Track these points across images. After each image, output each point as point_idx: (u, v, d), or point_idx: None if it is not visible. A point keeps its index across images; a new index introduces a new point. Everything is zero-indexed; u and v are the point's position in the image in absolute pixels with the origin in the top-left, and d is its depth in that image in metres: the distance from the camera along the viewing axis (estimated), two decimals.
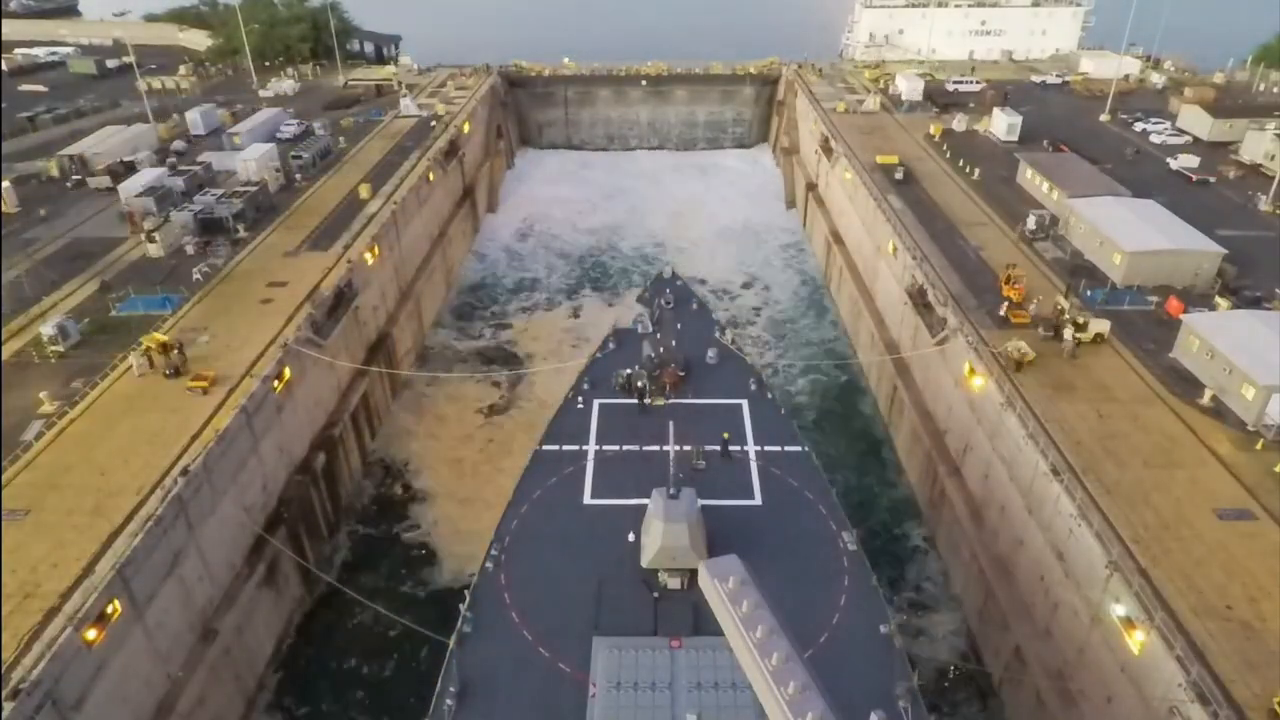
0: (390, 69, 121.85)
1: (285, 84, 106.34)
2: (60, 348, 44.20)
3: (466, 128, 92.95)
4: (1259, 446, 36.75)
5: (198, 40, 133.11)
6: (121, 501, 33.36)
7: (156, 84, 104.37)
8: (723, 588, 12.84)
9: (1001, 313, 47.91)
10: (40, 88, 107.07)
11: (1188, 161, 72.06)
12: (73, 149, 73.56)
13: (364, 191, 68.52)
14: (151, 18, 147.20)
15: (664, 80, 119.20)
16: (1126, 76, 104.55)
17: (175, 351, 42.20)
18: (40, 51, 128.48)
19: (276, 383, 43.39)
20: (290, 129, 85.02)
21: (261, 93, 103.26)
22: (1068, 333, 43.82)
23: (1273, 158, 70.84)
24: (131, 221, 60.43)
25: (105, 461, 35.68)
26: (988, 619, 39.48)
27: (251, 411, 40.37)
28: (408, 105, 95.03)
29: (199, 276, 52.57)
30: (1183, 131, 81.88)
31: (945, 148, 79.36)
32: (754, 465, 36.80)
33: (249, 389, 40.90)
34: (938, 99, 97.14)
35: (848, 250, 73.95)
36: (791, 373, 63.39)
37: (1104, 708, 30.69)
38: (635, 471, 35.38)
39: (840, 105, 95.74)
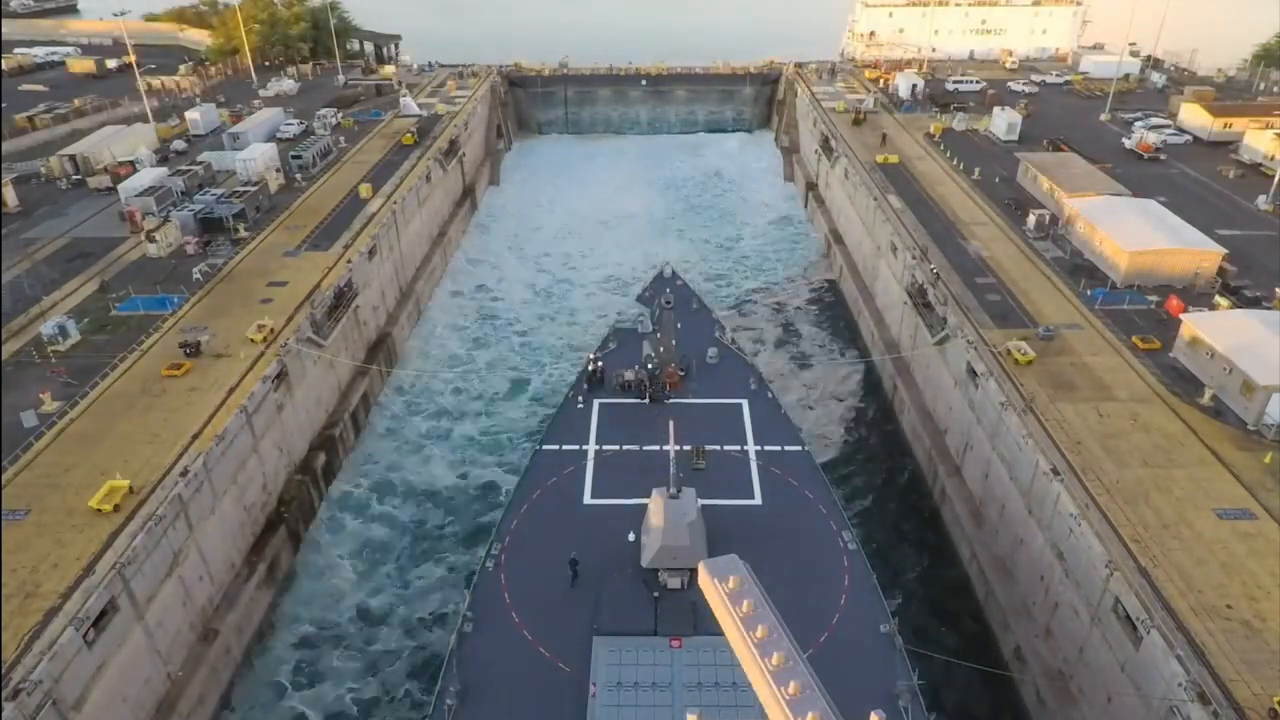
0: (390, 68, 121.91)
1: (285, 84, 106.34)
2: (60, 347, 44.23)
3: (467, 127, 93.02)
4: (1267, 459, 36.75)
5: (198, 40, 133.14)
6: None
7: (156, 84, 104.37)
8: (723, 587, 12.79)
9: None
10: (40, 87, 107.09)
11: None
12: (72, 149, 73.55)
13: (364, 191, 68.57)
14: (151, 17, 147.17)
15: (664, 80, 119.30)
16: (1126, 76, 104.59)
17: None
18: (40, 51, 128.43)
19: (277, 382, 43.44)
20: (290, 129, 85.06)
21: (262, 92, 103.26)
22: None
23: (1273, 158, 70.85)
24: (131, 221, 60.46)
25: (105, 461, 35.69)
26: (988, 618, 39.47)
27: (251, 411, 40.41)
28: (408, 105, 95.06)
29: (199, 276, 52.58)
30: (1183, 131, 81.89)
31: (945, 147, 79.39)
32: (754, 465, 36.82)
33: (250, 388, 40.95)
34: (937, 98, 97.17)
35: (848, 250, 74.02)
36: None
37: (1104, 707, 30.70)
38: (635, 471, 35.40)
39: (840, 105, 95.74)
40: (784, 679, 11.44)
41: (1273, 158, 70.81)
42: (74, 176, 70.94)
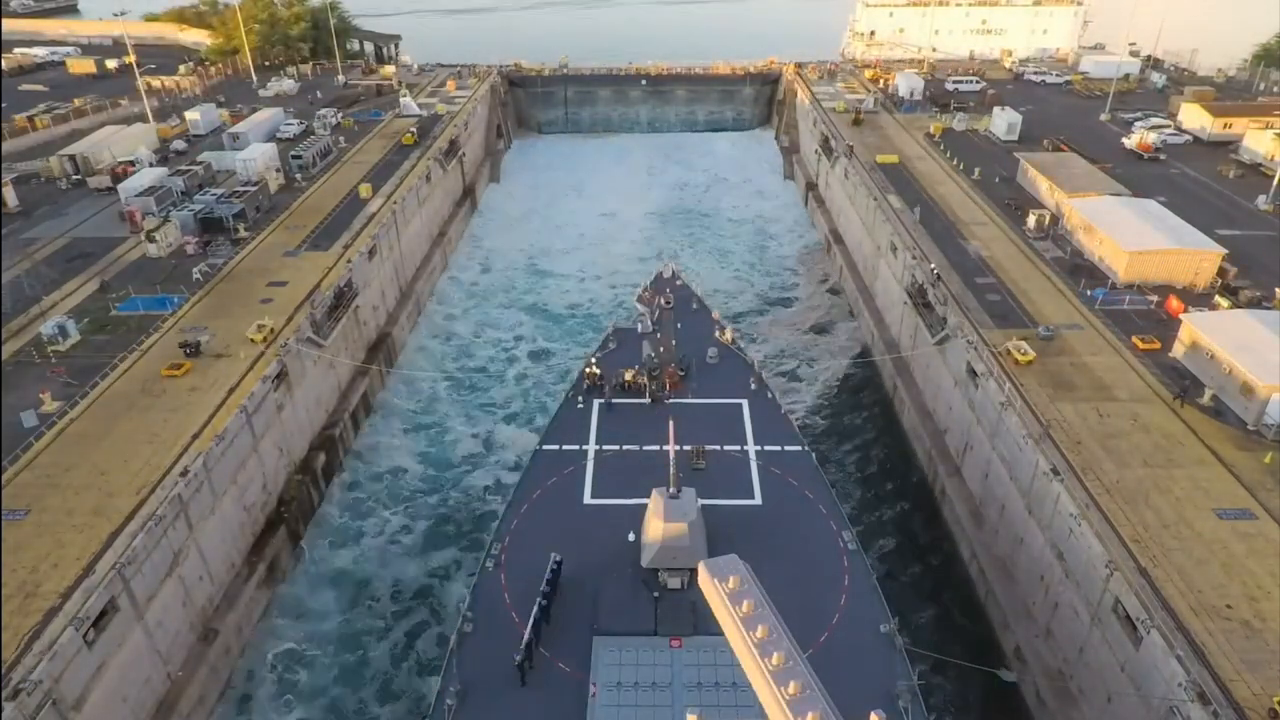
0: (389, 69, 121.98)
1: (285, 84, 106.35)
2: (60, 347, 44.22)
3: (467, 127, 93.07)
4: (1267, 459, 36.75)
5: (198, 40, 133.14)
6: (121, 501, 33.37)
7: (156, 84, 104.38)
8: (723, 587, 12.81)
9: None
10: (40, 87, 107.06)
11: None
12: (72, 149, 73.54)
13: (364, 191, 68.57)
14: (151, 17, 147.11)
15: (664, 80, 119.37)
16: (1126, 76, 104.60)
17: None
18: (40, 51, 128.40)
19: (277, 382, 43.44)
20: (290, 129, 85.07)
21: (261, 93, 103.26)
22: None
23: (1272, 158, 70.83)
24: (131, 221, 60.44)
25: (105, 461, 35.70)
26: (988, 618, 39.46)
27: (251, 411, 40.40)
28: (408, 105, 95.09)
29: (199, 276, 52.58)
30: (1182, 131, 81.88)
31: (945, 147, 79.40)
32: (754, 465, 36.80)
33: (250, 388, 40.94)
34: (938, 99, 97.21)
35: (848, 250, 74.02)
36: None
37: (1104, 707, 30.70)
38: (635, 471, 35.39)
39: (840, 105, 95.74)
40: (784, 679, 11.44)
41: (1273, 158, 70.81)
42: (74, 176, 70.94)
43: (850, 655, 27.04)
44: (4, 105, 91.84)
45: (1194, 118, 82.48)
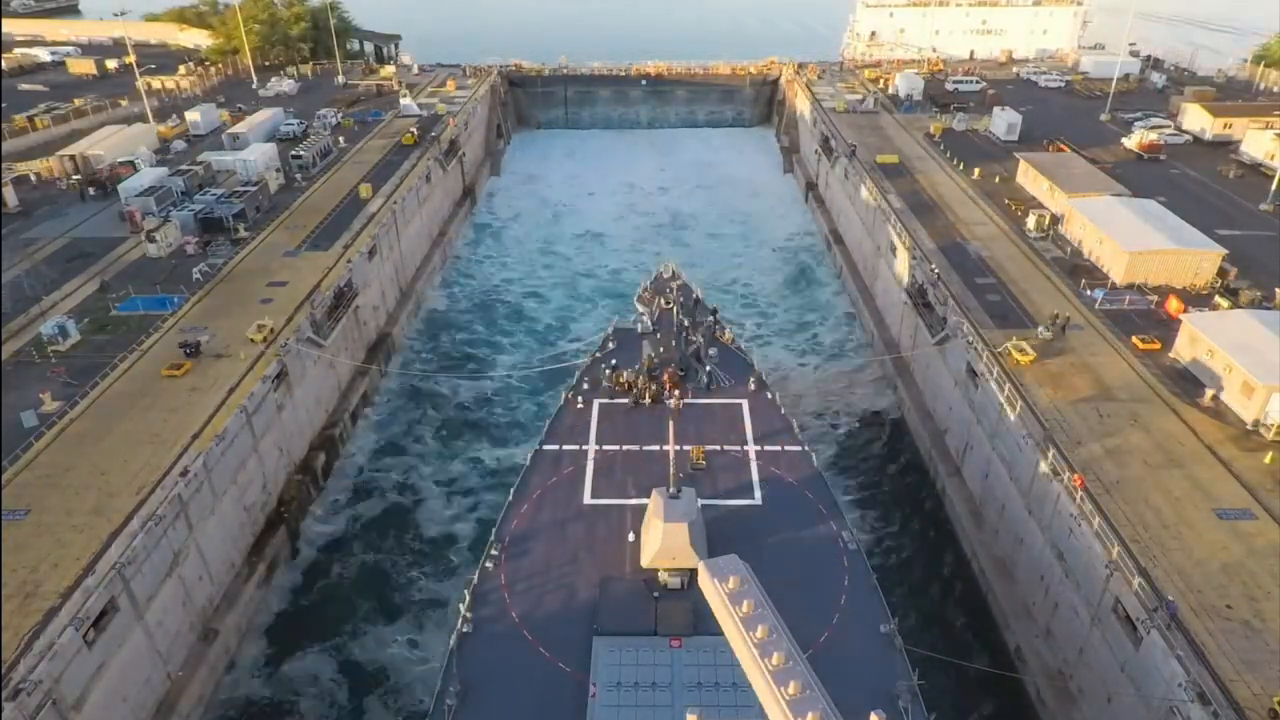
0: (389, 69, 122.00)
1: (285, 84, 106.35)
2: (60, 347, 44.21)
3: (467, 127, 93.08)
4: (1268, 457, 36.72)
5: (198, 40, 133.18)
6: (121, 501, 33.35)
7: (156, 84, 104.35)
8: (722, 587, 12.83)
9: None
10: (40, 87, 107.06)
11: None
12: (72, 149, 73.50)
13: (364, 191, 68.56)
14: (151, 17, 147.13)
15: (664, 80, 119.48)
16: (1127, 76, 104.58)
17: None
18: (40, 51, 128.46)
19: (277, 382, 43.43)
20: (290, 129, 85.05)
21: (261, 93, 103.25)
22: None
23: (1273, 157, 70.83)
24: (131, 221, 60.43)
25: (105, 461, 35.69)
26: (988, 618, 39.45)
27: (251, 411, 40.39)
28: (408, 105, 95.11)
29: (199, 276, 52.57)
30: (1183, 131, 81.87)
31: (945, 147, 79.39)
32: (754, 465, 36.79)
33: (250, 388, 40.93)
34: (937, 99, 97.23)
35: (847, 250, 74.03)
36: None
37: (1104, 707, 30.70)
38: (635, 471, 35.42)
39: (840, 105, 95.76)
40: (784, 679, 11.46)
41: (1273, 158, 70.79)
42: (74, 176, 70.89)
43: (850, 655, 27.02)
44: (4, 105, 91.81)
45: (1194, 118, 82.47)
